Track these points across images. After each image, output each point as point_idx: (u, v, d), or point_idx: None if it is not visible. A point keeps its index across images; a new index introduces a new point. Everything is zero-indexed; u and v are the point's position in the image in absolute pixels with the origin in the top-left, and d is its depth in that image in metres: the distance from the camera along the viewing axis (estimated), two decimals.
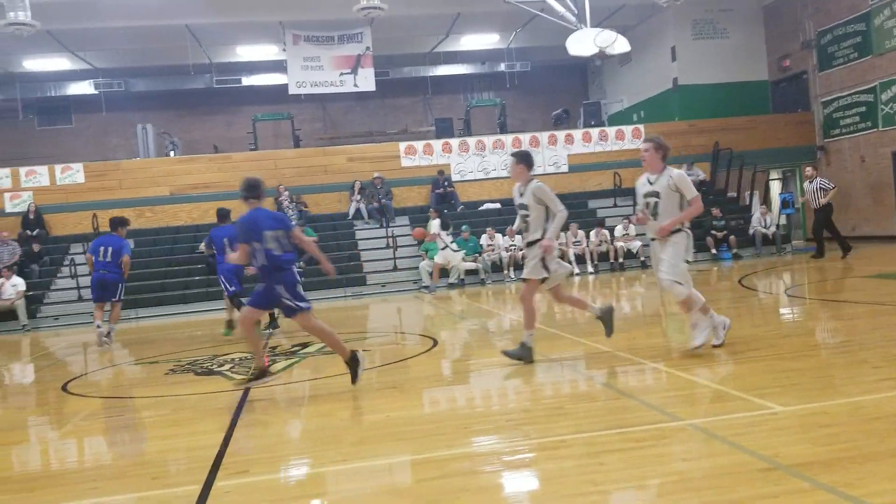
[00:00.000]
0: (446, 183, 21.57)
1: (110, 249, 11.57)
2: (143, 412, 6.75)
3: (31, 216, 19.58)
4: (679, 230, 6.76)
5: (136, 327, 15.55)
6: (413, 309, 15.21)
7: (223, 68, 25.62)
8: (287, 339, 11.05)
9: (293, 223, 6.52)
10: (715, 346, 6.92)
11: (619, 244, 19.26)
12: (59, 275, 18.55)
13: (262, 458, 4.83)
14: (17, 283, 16.44)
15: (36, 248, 18.79)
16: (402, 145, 22.42)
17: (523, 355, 7.14)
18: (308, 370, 8.24)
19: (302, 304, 6.50)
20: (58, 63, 23.99)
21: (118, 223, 11.93)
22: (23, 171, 20.41)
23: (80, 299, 17.40)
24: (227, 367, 8.58)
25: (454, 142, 22.57)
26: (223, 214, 12.07)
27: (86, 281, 17.89)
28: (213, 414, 6.23)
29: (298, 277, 6.65)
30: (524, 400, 6.03)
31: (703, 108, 23.61)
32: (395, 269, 19.08)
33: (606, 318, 7.37)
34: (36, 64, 23.87)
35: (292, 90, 22.91)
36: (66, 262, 18.51)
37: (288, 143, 25.01)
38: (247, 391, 6.90)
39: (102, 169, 20.98)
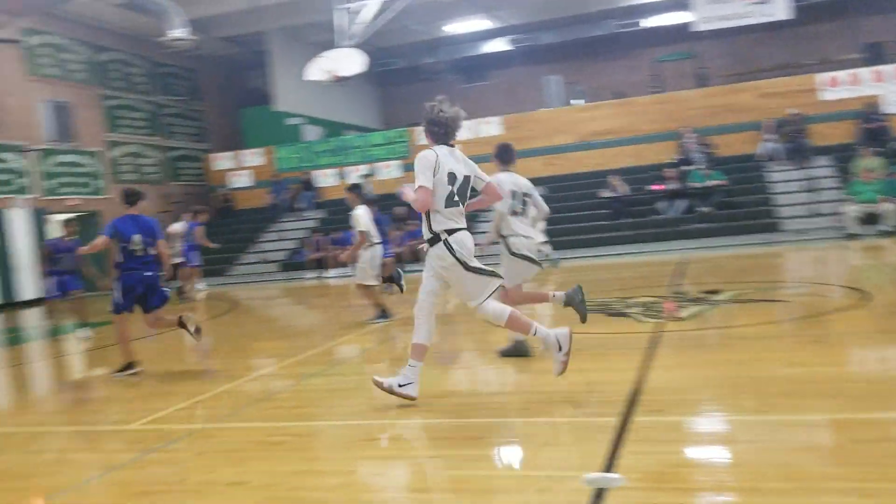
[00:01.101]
0: (876, 117, 19.01)
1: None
2: None
3: None
4: (436, 239, 5.02)
5: (549, 269, 16.53)
6: (836, 258, 13.87)
7: (623, 13, 25.53)
8: (694, 286, 10.88)
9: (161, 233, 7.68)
10: None
11: None
12: (478, 219, 20.46)
13: (678, 400, 4.86)
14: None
15: None
16: (821, 77, 20.23)
17: (519, 350, 6.44)
18: (719, 317, 8.02)
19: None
20: (475, 24, 26.09)
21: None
22: None
23: (493, 243, 19.03)
24: (635, 310, 8.74)
25: (888, 69, 19.73)
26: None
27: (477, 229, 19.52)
28: (626, 353, 6.42)
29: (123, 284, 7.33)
30: None
31: None
32: (813, 214, 17.49)
33: (576, 300, 6.41)
34: (456, 27, 26.25)
35: (696, 27, 21.98)
36: (489, 209, 20.29)
37: (691, 82, 24.18)
38: (658, 334, 6.98)
39: (517, 121, 22.49)
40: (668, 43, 25.68)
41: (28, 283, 18.19)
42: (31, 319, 15.43)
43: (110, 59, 22.21)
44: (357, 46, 19.04)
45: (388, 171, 22.97)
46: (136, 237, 7.34)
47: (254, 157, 24.39)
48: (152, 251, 7.48)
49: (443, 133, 5.14)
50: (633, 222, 18.87)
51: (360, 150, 23.41)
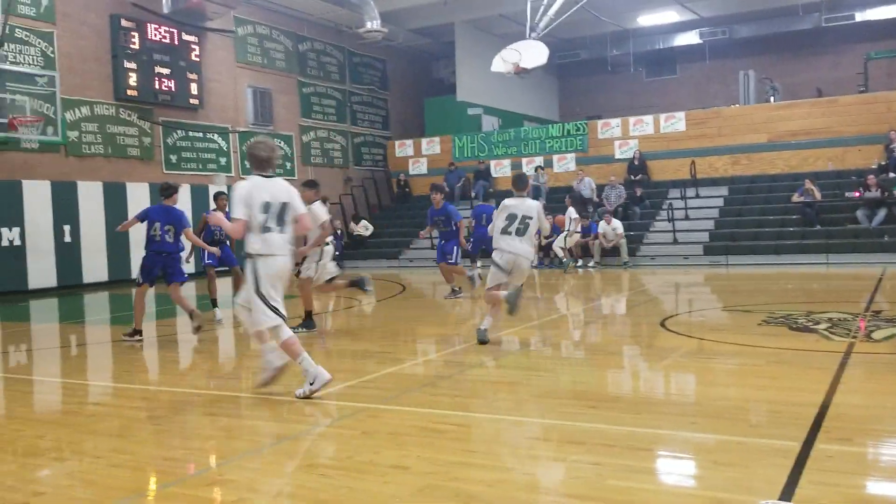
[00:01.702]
0: None
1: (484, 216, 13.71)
2: (737, 359, 6.81)
3: (636, 162, 21.25)
4: (249, 255, 5.56)
5: (727, 274, 15.77)
6: None
7: (833, 5, 23.68)
8: (890, 305, 9.96)
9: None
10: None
11: None
12: (657, 217, 19.82)
13: (867, 429, 4.45)
14: (616, 227, 18.13)
15: (638, 192, 20.38)
16: None
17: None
18: None
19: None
20: (667, 16, 25.19)
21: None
22: (631, 120, 22.19)
23: (676, 242, 18.36)
24: (823, 325, 8.12)
25: None
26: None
27: (680, 225, 18.80)
28: (810, 372, 5.97)
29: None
30: None
31: None
32: None
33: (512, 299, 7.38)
34: (648, 19, 25.48)
35: None
36: (665, 206, 19.64)
37: None
38: (848, 354, 6.45)
39: (703, 117, 21.51)
40: (884, 38, 23.57)
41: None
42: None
43: (308, 48, 23.49)
44: (540, 38, 18.95)
45: (564, 163, 22.74)
46: (157, 224, 8.65)
47: (431, 145, 24.95)
48: (170, 238, 8.72)
49: (259, 165, 5.66)
50: (826, 230, 17.53)
51: (537, 142, 23.32)
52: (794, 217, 18.15)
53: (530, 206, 7.68)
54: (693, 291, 13.63)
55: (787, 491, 3.45)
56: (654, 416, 4.91)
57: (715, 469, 3.91)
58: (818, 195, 18.02)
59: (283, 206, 5.58)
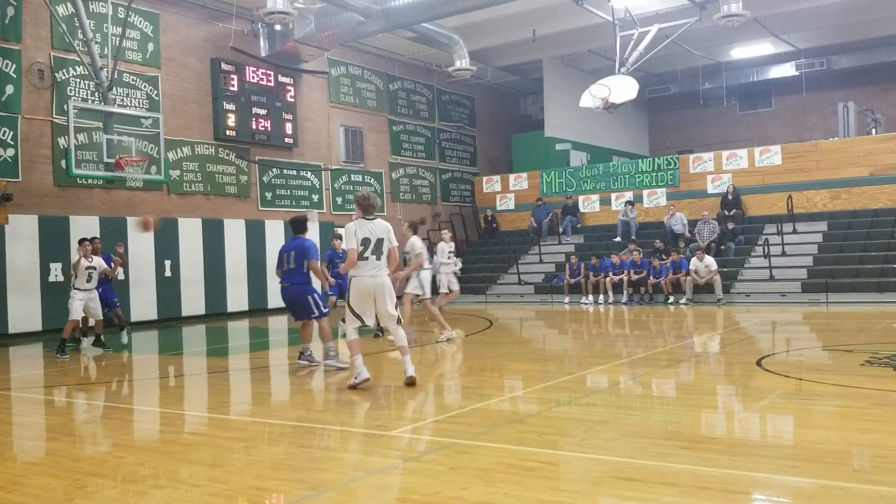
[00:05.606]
0: None
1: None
2: (838, 400, 6.51)
3: (730, 197, 20.72)
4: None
5: (827, 312, 15.13)
6: None
7: None
8: None
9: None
10: None
11: None
12: (752, 254, 19.23)
13: None
14: (709, 263, 17.67)
15: (731, 226, 19.84)
16: None
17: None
18: None
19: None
20: (761, 49, 24.66)
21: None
22: (724, 154, 21.70)
23: (772, 279, 17.74)
24: None
25: None
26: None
27: (777, 262, 18.17)
28: None
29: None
30: None
31: None
32: None
33: None
34: (741, 52, 25.01)
35: None
36: (760, 242, 19.04)
37: None
38: None
39: (800, 150, 20.86)
40: None
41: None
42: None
43: (399, 87, 24.03)
44: (630, 73, 18.85)
45: (655, 198, 22.38)
46: (280, 255, 9.26)
47: (519, 180, 24.99)
48: (290, 266, 9.10)
49: (362, 208, 7.73)
50: None
51: (626, 177, 23.06)
52: None
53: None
54: (791, 330, 13.12)
55: None
56: (750, 459, 4.74)
57: None
58: None
59: (379, 242, 7.57)
